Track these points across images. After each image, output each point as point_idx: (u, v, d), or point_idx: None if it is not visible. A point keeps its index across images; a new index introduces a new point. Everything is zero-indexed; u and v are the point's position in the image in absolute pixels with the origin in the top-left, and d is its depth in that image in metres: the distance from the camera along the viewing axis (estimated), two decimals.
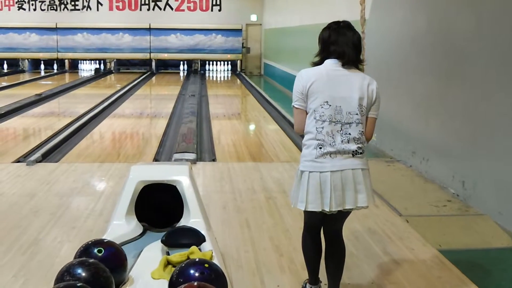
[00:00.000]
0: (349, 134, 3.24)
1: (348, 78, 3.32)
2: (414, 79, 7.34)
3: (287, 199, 5.96)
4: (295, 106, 3.37)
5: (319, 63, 3.42)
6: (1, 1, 24.21)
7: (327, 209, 3.24)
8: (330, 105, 3.24)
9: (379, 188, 6.31)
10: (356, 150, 3.25)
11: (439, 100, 6.63)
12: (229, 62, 24.53)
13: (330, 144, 3.23)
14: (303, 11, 15.00)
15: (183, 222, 3.50)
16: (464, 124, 6.06)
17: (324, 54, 3.41)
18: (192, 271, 2.62)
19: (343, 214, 3.40)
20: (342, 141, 3.23)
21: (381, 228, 5.10)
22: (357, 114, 3.27)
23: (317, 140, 3.25)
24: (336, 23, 3.44)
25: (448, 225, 5.32)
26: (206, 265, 2.66)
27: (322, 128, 3.24)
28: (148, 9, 24.40)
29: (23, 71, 24.02)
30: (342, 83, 3.30)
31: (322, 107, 3.25)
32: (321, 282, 3.74)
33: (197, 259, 2.76)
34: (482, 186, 5.66)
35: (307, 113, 3.32)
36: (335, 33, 3.39)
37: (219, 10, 24.54)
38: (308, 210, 3.30)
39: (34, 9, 24.24)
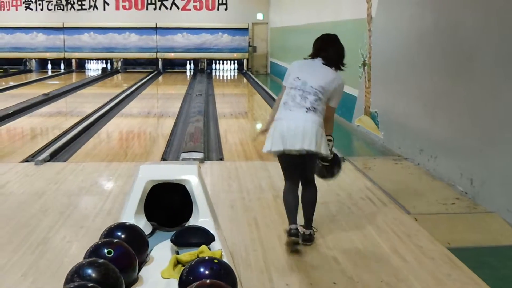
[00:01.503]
0: (307, 98, 4.37)
1: (322, 70, 4.51)
2: (421, 76, 7.33)
3: None
4: (283, 84, 4.63)
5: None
6: (9, 1, 24.31)
7: (283, 148, 4.33)
8: (300, 80, 4.44)
9: (387, 186, 6.31)
10: (309, 107, 4.34)
11: (447, 98, 6.61)
12: (236, 61, 24.53)
13: (291, 101, 4.41)
14: (309, 10, 14.99)
15: (192, 222, 3.51)
16: (472, 121, 6.04)
17: (314, 56, 4.61)
18: (202, 269, 2.62)
19: (304, 160, 4.44)
20: (299, 101, 4.38)
21: (389, 226, 5.10)
22: (317, 89, 4.39)
23: (285, 100, 4.47)
24: (327, 35, 4.70)
25: (457, 223, 5.31)
26: (215, 261, 2.67)
27: (289, 92, 4.45)
28: (155, 9, 24.42)
29: (30, 71, 24.10)
30: (316, 71, 4.48)
31: (294, 81, 4.46)
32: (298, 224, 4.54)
33: (206, 257, 2.77)
34: (490, 184, 5.65)
35: (283, 87, 4.58)
36: (324, 43, 4.66)
37: (225, 9, 24.53)
38: (272, 151, 4.40)
39: (41, 9, 24.31)
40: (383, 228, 5.05)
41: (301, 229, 4.55)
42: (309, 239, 4.57)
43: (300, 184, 4.64)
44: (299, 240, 4.45)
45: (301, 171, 4.56)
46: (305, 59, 4.65)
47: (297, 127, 4.28)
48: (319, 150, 4.32)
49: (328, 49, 4.59)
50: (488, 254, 4.62)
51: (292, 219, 4.53)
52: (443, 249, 4.58)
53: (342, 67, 4.64)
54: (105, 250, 2.81)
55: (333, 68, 4.57)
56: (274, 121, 4.46)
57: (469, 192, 5.96)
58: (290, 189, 4.59)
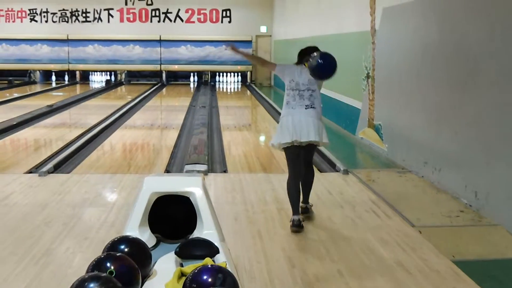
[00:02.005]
0: (303, 95, 5.38)
1: (306, 69, 5.39)
2: (426, 89, 7.33)
3: None
4: (277, 64, 5.83)
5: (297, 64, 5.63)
6: (14, 13, 24.45)
7: (291, 140, 5.24)
8: (294, 81, 5.46)
9: (391, 198, 6.30)
10: (307, 105, 5.35)
11: (451, 110, 6.61)
12: (239, 73, 24.58)
13: (292, 101, 5.41)
14: (313, 23, 15.03)
15: (196, 234, 3.50)
16: (476, 133, 6.03)
17: (300, 62, 5.56)
18: (205, 276, 2.62)
19: (307, 149, 5.40)
20: (298, 100, 5.38)
21: (393, 238, 5.08)
22: (307, 84, 5.40)
23: (287, 100, 5.46)
24: (309, 47, 5.66)
25: (461, 236, 5.30)
26: (218, 268, 2.68)
27: (289, 93, 5.46)
28: (159, 21, 24.54)
29: (34, 82, 24.17)
30: (302, 72, 5.46)
31: (290, 83, 5.49)
32: (301, 214, 5.41)
33: (209, 265, 2.77)
34: (495, 196, 5.63)
35: (274, 66, 5.78)
36: (307, 52, 5.53)
37: (229, 21, 24.64)
38: (282, 143, 5.30)
39: (46, 21, 24.44)
40: (387, 240, 5.04)
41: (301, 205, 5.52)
42: (305, 211, 5.55)
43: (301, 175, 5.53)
44: (302, 230, 5.27)
45: (305, 157, 5.47)
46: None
47: (300, 122, 5.27)
48: (321, 140, 5.34)
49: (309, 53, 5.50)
50: (493, 267, 4.60)
51: (295, 210, 5.35)
52: (448, 262, 4.56)
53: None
54: (108, 270, 2.78)
55: None
56: (281, 118, 5.49)
57: (474, 205, 5.95)
58: (293, 183, 5.41)
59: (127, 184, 6.94)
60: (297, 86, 5.41)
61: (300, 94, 5.38)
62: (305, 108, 5.33)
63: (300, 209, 5.41)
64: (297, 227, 5.23)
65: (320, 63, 5.17)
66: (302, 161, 5.43)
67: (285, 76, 5.54)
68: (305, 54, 5.49)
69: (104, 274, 2.66)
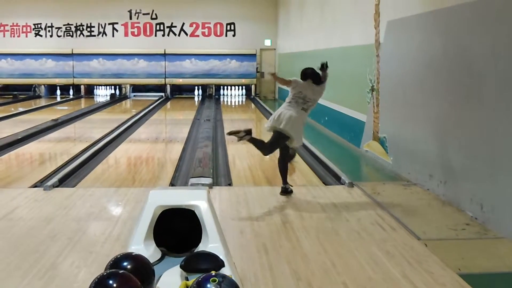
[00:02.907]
0: (305, 103, 6.94)
1: (312, 87, 7.04)
2: (430, 101, 7.33)
3: (304, 223, 5.96)
4: (291, 79, 7.11)
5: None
6: (19, 28, 24.59)
7: (275, 125, 6.87)
8: (302, 93, 6.95)
9: (397, 211, 6.29)
10: (304, 108, 6.93)
11: (456, 122, 6.61)
12: (244, 87, 24.66)
13: (294, 102, 6.93)
14: (317, 36, 15.06)
15: (201, 247, 3.49)
16: (481, 146, 6.02)
17: (304, 79, 7.09)
18: (209, 285, 2.61)
19: (278, 133, 6.91)
20: (300, 103, 6.94)
21: (399, 251, 5.06)
22: (311, 98, 7.00)
23: (289, 101, 6.97)
24: (308, 68, 7.19)
25: (467, 249, 5.27)
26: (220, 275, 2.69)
27: (294, 98, 6.95)
28: (163, 35, 24.66)
29: (39, 97, 24.26)
30: (309, 89, 7.02)
31: (298, 93, 6.94)
32: (291, 186, 7.18)
33: (212, 273, 2.77)
34: (500, 209, 5.61)
35: (290, 82, 7.06)
36: (308, 72, 7.13)
37: (233, 35, 24.73)
38: (269, 126, 7.01)
39: (51, 36, 24.56)
40: (393, 253, 5.02)
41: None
42: (285, 191, 7.10)
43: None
44: (291, 194, 7.06)
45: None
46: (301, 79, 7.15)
47: (290, 116, 6.78)
48: (293, 135, 6.83)
49: (310, 76, 7.09)
50: (499, 280, 4.59)
51: (283, 180, 7.05)
52: (454, 275, 4.54)
53: (321, 81, 7.14)
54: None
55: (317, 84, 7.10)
56: (280, 109, 7.00)
57: (479, 218, 5.93)
58: (280, 160, 7.11)
59: (132, 197, 6.94)
60: (304, 97, 6.96)
61: (304, 102, 6.95)
62: (301, 109, 6.93)
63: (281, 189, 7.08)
64: (285, 193, 7.03)
65: None
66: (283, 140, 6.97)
67: (297, 88, 7.00)
68: (305, 74, 7.11)
69: None
